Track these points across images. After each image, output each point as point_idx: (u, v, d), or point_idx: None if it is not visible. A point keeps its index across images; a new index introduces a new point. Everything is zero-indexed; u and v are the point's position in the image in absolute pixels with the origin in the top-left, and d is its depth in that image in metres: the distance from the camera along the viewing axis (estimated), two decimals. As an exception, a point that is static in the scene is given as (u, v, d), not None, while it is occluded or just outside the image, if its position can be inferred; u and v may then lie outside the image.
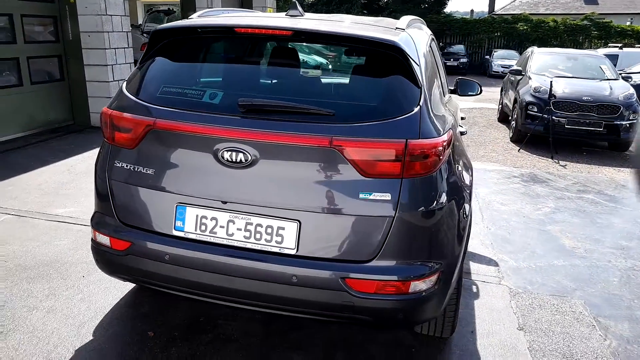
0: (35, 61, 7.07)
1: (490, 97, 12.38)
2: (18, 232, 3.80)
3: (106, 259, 2.30)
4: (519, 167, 6.72)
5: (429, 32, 3.20)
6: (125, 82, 2.38)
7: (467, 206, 2.38)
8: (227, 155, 2.01)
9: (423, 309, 2.14)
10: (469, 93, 4.44)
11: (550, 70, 8.76)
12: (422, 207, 2.02)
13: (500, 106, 10.34)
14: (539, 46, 10.64)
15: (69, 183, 5.01)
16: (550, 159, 7.16)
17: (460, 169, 2.43)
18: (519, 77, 8.86)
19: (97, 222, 2.32)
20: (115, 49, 7.58)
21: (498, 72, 20.15)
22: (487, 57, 23.51)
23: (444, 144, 2.10)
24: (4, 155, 5.94)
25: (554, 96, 7.48)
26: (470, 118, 10.38)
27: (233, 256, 2.06)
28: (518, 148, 7.73)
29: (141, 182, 2.17)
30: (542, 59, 9.24)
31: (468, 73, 20.21)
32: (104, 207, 2.31)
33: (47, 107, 7.32)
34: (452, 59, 22.33)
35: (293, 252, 2.02)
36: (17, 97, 6.79)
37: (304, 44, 2.35)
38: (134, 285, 3.00)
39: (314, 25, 2.30)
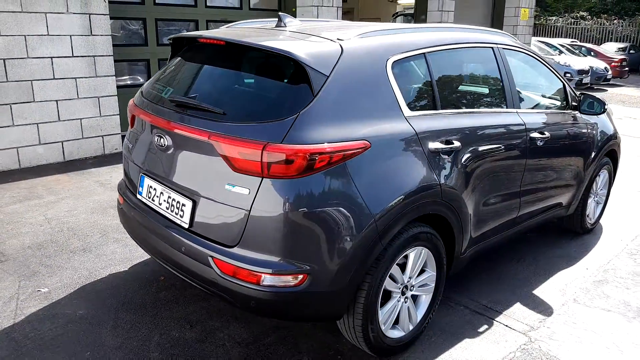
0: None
1: None
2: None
3: (117, 210, 3.10)
4: None
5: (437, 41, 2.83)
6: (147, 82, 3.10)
7: (366, 222, 2.23)
8: (156, 139, 2.53)
9: (282, 306, 2.24)
10: (591, 111, 3.80)
11: None
12: (280, 208, 2.12)
13: None
14: None
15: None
16: None
17: (373, 181, 2.28)
18: None
19: (119, 182, 3.13)
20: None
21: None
22: None
23: (322, 151, 2.12)
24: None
25: None
26: None
27: (159, 222, 2.56)
28: None
29: (129, 154, 2.87)
30: None
31: None
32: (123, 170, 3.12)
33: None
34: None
35: (186, 225, 2.41)
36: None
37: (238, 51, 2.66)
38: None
39: (241, 36, 2.56)
